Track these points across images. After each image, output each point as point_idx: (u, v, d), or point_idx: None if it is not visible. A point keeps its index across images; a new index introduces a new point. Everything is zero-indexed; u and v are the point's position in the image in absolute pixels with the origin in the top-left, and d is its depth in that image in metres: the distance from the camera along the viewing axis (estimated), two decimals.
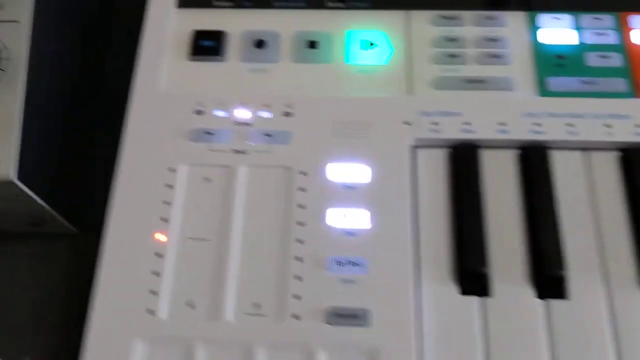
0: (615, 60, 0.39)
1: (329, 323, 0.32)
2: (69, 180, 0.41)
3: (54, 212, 0.38)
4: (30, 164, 0.34)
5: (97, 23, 0.46)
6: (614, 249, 0.34)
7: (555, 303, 0.33)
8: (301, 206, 0.35)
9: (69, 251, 0.41)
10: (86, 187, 0.42)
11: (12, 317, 0.39)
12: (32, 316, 0.38)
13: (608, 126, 0.37)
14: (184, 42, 0.41)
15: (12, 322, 0.38)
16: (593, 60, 0.39)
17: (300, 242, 0.35)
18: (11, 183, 0.33)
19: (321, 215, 0.35)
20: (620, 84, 0.38)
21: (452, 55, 0.40)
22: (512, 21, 0.41)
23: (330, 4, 0.42)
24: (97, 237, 0.38)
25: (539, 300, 0.33)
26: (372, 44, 0.40)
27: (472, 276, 0.34)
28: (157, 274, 0.34)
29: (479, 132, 0.37)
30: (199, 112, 0.38)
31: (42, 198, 0.36)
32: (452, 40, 0.40)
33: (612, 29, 0.40)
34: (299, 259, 0.34)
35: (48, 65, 0.38)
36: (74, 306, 0.38)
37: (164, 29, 0.41)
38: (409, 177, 0.36)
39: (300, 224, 0.35)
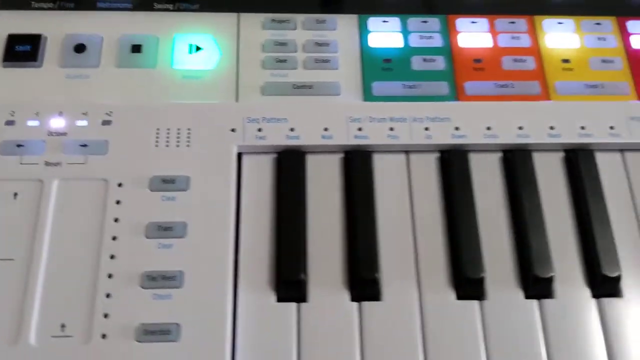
0: (439, 63, 0.40)
1: (138, 340, 0.32)
2: None
3: None
4: None
5: None
6: (427, 250, 0.35)
7: (368, 305, 0.34)
8: (116, 220, 0.34)
9: None
10: None
11: None
12: None
13: (428, 129, 0.38)
14: None
15: None
16: (418, 64, 0.40)
17: (113, 257, 0.34)
18: None
19: (137, 229, 0.34)
20: (442, 87, 0.39)
21: (281, 60, 0.39)
22: (344, 24, 0.41)
23: (158, 6, 0.40)
24: None
25: (352, 303, 0.34)
26: (199, 48, 0.39)
27: (287, 283, 0.34)
28: None
29: (304, 138, 0.37)
30: (10, 123, 0.36)
31: None
32: (281, 44, 0.40)
33: (438, 32, 0.41)
34: (110, 275, 0.33)
35: None
36: None
37: None
38: (234, 186, 0.36)
39: (114, 238, 0.34)
